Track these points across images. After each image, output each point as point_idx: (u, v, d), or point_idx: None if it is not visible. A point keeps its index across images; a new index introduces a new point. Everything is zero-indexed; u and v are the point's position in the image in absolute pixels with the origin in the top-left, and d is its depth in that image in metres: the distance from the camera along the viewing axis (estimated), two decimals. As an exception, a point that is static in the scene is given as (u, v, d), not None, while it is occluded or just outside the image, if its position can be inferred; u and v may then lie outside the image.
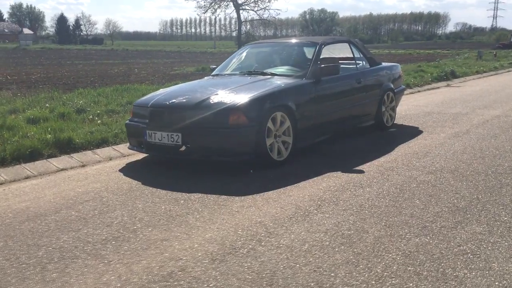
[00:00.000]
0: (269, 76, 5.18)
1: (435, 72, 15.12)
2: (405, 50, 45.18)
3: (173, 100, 4.56)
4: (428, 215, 3.24)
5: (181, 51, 53.66)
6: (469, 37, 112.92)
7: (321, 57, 5.61)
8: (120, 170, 4.59)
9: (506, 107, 8.52)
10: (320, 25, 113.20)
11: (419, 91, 11.92)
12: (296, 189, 3.90)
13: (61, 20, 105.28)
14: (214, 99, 4.45)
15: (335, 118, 5.48)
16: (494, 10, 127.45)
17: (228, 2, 29.08)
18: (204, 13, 25.09)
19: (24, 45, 66.74)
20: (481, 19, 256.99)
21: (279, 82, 4.95)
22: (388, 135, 6.17)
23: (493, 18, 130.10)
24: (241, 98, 4.42)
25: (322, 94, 5.22)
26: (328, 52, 6.04)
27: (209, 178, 4.23)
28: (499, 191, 3.74)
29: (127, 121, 4.94)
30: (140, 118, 4.72)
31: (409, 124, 7.02)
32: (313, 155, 5.07)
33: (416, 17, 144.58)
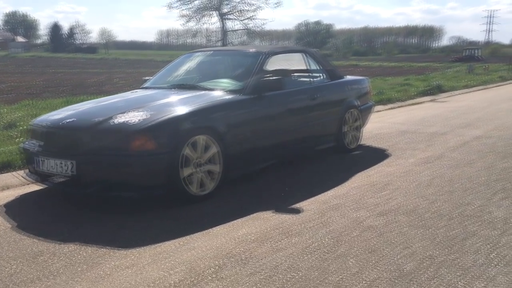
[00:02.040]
0: (200, 91, 4.35)
1: (421, 86, 14.40)
2: (397, 63, 44.63)
3: (70, 119, 3.71)
4: (358, 285, 2.40)
5: (171, 60, 52.90)
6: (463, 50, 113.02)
7: (271, 69, 4.81)
8: (5, 205, 3.73)
9: (489, 126, 7.72)
10: (315, 37, 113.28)
11: (400, 106, 11.13)
12: (204, 238, 3.05)
13: (55, 28, 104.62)
14: (119, 119, 3.61)
15: (281, 141, 4.65)
16: (488, 24, 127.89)
17: (211, 12, 28.41)
18: (187, 22, 24.41)
19: (15, 53, 65.97)
20: (475, 32, 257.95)
21: (207, 98, 4.13)
22: (348, 160, 5.34)
23: (487, 32, 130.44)
24: (152, 118, 3.58)
25: (264, 113, 4.40)
26: (282, 63, 5.24)
27: (101, 220, 3.37)
28: (461, 246, 2.90)
29: (22, 144, 4.10)
30: (37, 140, 3.88)
31: (378, 145, 6.20)
32: (249, 187, 4.23)
33: (411, 30, 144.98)
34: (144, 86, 5.00)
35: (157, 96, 4.24)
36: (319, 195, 3.95)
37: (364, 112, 6.09)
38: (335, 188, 4.17)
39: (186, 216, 3.45)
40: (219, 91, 4.33)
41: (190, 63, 5.18)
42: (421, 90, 13.61)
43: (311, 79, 5.24)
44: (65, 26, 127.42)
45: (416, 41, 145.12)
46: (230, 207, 3.66)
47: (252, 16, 28.53)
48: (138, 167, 3.42)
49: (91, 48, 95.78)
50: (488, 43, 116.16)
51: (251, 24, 24.77)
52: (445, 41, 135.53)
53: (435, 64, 39.42)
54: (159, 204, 3.67)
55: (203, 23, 30.05)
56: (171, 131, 3.55)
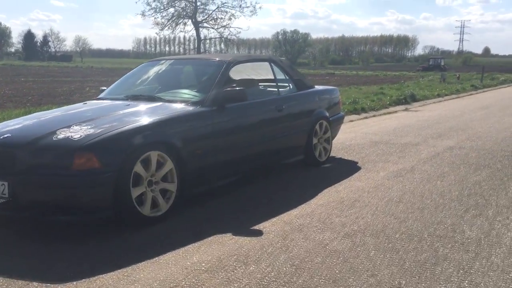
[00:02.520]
0: (156, 103, 4.04)
1: (395, 95, 14.38)
2: (373, 72, 45.14)
3: (5, 135, 3.35)
4: (317, 324, 2.13)
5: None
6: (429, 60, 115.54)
7: (235, 78, 4.56)
8: None
9: (462, 136, 7.63)
10: (292, 45, 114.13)
11: (374, 116, 11.02)
12: (151, 267, 2.73)
13: (28, 36, 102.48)
14: (61, 134, 3.27)
15: (245, 155, 4.38)
16: (460, 34, 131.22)
17: (186, 20, 27.93)
18: (161, 30, 23.92)
19: (-16, 61, 64.13)
20: (448, 42, 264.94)
21: (163, 110, 3.82)
22: (317, 174, 5.09)
23: (459, 42, 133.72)
24: (97, 133, 3.26)
25: (226, 126, 4.12)
26: (247, 73, 4.99)
27: (35, 249, 3.02)
28: (432, 272, 2.66)
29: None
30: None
31: (349, 157, 5.99)
32: (208, 205, 3.92)
33: (387, 40, 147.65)
34: (99, 96, 4.66)
35: (109, 108, 3.92)
36: (283, 214, 3.68)
37: (335, 123, 5.88)
38: (301, 206, 3.91)
39: (134, 241, 3.13)
40: (177, 103, 4.03)
41: (149, 73, 4.87)
42: (395, 99, 13.56)
43: (278, 89, 4.99)
44: (39, 34, 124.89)
45: (391, 50, 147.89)
46: (185, 230, 3.35)
47: (227, 24, 28.39)
48: (80, 188, 3.09)
49: (66, 56, 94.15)
50: (460, 53, 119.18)
51: (226, 33, 24.57)
52: (419, 50, 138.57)
53: (409, 73, 39.99)
54: (105, 228, 3.34)
55: (179, 31, 29.65)
56: (118, 147, 3.24)
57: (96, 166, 3.11)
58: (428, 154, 6.14)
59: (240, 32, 42.96)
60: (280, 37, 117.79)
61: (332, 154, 6.16)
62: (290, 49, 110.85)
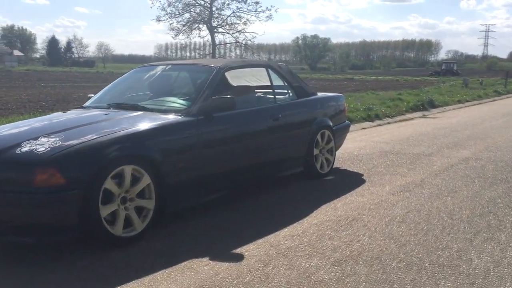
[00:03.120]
0: (137, 112, 3.76)
1: (413, 101, 13.86)
2: (393, 77, 44.35)
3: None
4: None
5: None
6: (461, 64, 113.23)
7: (228, 85, 4.26)
8: None
9: (480, 146, 7.15)
10: (312, 50, 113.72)
11: (388, 123, 10.58)
12: (109, 298, 2.44)
13: (52, 42, 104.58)
14: (27, 147, 3.02)
15: (235, 168, 4.06)
16: (485, 38, 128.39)
17: (201, 25, 27.59)
18: (176, 35, 23.70)
19: (9, 66, 65.59)
20: (472, 46, 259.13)
21: (143, 121, 3.54)
22: (316, 188, 4.73)
23: (484, 46, 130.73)
24: (63, 146, 3.00)
25: (213, 136, 3.81)
26: (242, 79, 4.69)
27: None
28: (428, 312, 2.30)
29: None
30: None
31: (355, 169, 5.61)
32: (189, 224, 3.60)
33: (409, 44, 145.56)
34: (84, 105, 4.42)
35: (86, 118, 3.65)
36: (271, 235, 3.34)
37: (339, 133, 5.52)
38: (293, 225, 3.57)
39: (97, 266, 2.84)
40: (161, 112, 3.75)
41: (139, 79, 4.62)
42: (412, 105, 13.06)
43: (275, 97, 4.66)
44: (63, 40, 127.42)
45: (413, 55, 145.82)
46: (158, 253, 3.05)
47: (242, 29, 27.86)
48: (42, 206, 2.82)
49: (88, 62, 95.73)
50: (485, 57, 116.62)
51: (241, 38, 24.17)
52: (442, 55, 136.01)
53: (430, 78, 39.08)
54: (69, 249, 3.07)
55: (194, 37, 29.78)
56: (86, 162, 2.96)
57: (60, 182, 2.84)
58: (441, 166, 5.71)
59: (255, 37, 42.68)
60: (300, 42, 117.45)
61: (337, 165, 5.80)
62: (310, 54, 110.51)
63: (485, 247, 3.12)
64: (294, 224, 3.58)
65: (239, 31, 26.23)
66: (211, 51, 23.03)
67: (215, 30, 25.71)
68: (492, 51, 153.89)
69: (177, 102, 3.92)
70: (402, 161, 6.07)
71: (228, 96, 3.88)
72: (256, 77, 4.67)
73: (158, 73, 4.56)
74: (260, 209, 4.03)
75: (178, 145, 3.54)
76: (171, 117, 3.63)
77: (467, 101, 16.17)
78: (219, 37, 31.59)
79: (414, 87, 24.75)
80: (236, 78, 4.58)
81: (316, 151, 5.03)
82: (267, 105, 4.52)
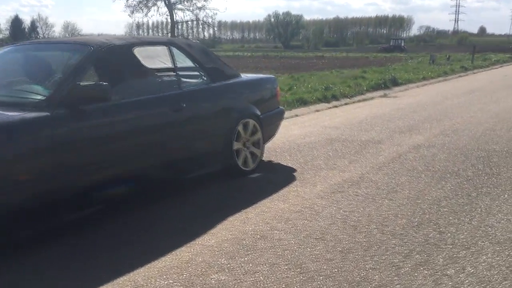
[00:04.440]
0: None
1: (375, 80, 13.18)
2: (363, 54, 43.82)
3: None
4: None
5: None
6: (432, 40, 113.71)
7: (107, 69, 3.37)
8: None
9: (436, 129, 6.49)
10: (285, 28, 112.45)
11: (346, 104, 9.87)
12: None
13: (15, 22, 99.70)
14: None
15: (114, 174, 3.22)
16: (456, 13, 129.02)
17: (157, 1, 25.79)
18: (132, 13, 21.91)
19: (-33, 48, 62.38)
20: (444, 22, 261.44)
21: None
22: (233, 191, 3.93)
23: (455, 22, 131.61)
24: None
25: (80, 136, 2.95)
26: (142, 60, 3.81)
27: None
28: None
29: None
30: None
31: (290, 162, 4.85)
32: (37, 255, 2.78)
33: (382, 20, 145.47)
34: None
35: None
36: (140, 269, 2.54)
37: (270, 121, 4.72)
38: (178, 250, 2.77)
39: None
40: (7, 106, 2.87)
41: (7, 61, 3.69)
42: (373, 84, 12.38)
43: (178, 83, 3.80)
44: (28, 19, 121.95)
45: (386, 31, 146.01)
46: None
47: (203, 5, 25.90)
48: None
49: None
50: (456, 32, 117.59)
51: (202, 15, 22.48)
52: (414, 31, 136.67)
53: (400, 55, 38.67)
54: None
55: (152, 14, 28.12)
56: None
57: None
58: (388, 157, 5.01)
59: (216, 13, 40.78)
60: (272, 19, 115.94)
61: (272, 157, 5.04)
62: (283, 31, 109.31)
63: (415, 277, 2.40)
64: (180, 249, 2.78)
65: (199, 8, 24.80)
66: (169, 30, 21.59)
67: (174, 6, 24.20)
68: (463, 26, 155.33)
69: (35, 92, 3.03)
70: (346, 150, 5.35)
71: (101, 83, 3.01)
72: (159, 58, 3.80)
73: (16, 55, 3.63)
74: (140, 226, 3.20)
75: (20, 150, 2.67)
76: (13, 114, 2.75)
77: (432, 78, 15.61)
78: (179, 14, 29.65)
79: (383, 64, 24.17)
80: (128, 59, 3.70)
81: (237, 145, 4.23)
82: (166, 93, 3.66)
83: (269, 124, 4.74)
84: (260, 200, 3.65)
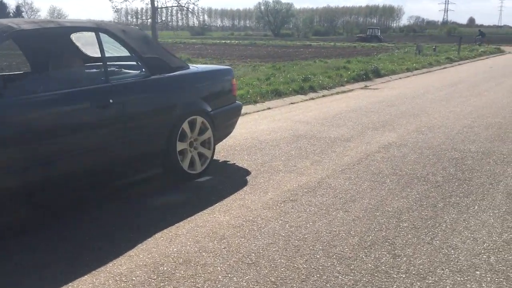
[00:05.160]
0: None
1: (357, 70, 12.72)
2: (351, 43, 43.32)
3: None
4: None
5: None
6: (421, 30, 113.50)
7: (37, 56, 2.88)
8: None
9: (411, 125, 6.07)
10: (275, 16, 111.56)
11: (323, 96, 9.42)
12: None
13: (0, 6, 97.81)
14: None
15: (20, 184, 2.74)
16: (445, 4, 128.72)
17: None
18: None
19: None
20: (433, 12, 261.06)
21: None
22: (171, 198, 3.47)
23: (444, 12, 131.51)
24: None
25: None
26: (68, 46, 3.32)
27: None
28: None
29: None
30: None
31: (246, 163, 4.39)
32: None
33: (372, 10, 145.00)
34: None
35: None
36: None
37: (223, 118, 4.25)
38: (75, 281, 2.31)
39: None
40: None
41: None
42: (355, 75, 11.93)
43: (103, 75, 3.29)
44: (12, 4, 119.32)
45: (376, 21, 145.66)
46: None
47: None
48: None
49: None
50: (445, 23, 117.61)
51: (184, 0, 21.30)
52: (404, 21, 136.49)
53: (388, 45, 38.24)
54: None
55: (132, 0, 26.93)
56: None
57: None
58: (354, 157, 4.58)
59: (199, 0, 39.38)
60: (262, 7, 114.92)
61: (230, 156, 4.59)
62: (273, 19, 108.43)
63: (353, 320, 1.98)
64: (81, 279, 2.33)
65: (182, -7, 23.72)
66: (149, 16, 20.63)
67: (155, -9, 23.46)
68: (452, 17, 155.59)
69: None
70: (311, 149, 4.91)
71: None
72: (83, 46, 3.30)
73: None
74: (43, 248, 2.74)
75: None
76: None
77: (416, 69, 15.20)
78: (161, 0, 28.17)
79: (369, 54, 23.74)
80: (40, 47, 3.19)
81: (182, 145, 3.76)
82: (87, 87, 3.16)
83: (223, 121, 4.27)
84: (199, 211, 3.20)
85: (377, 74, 12.88)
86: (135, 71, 3.60)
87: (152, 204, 3.35)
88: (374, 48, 33.49)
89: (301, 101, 8.72)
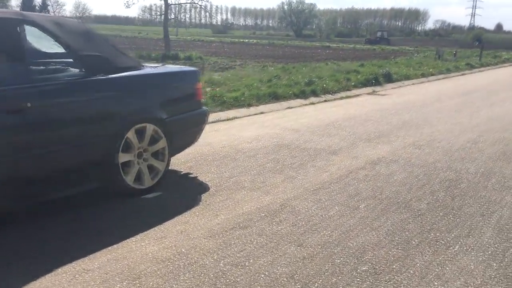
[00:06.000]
0: None
1: (367, 74, 12.08)
2: (371, 46, 42.37)
3: None
4: None
5: (137, 37, 49.97)
6: (447, 34, 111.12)
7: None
8: None
9: (409, 138, 5.48)
10: (298, 16, 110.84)
11: (325, 101, 8.86)
12: None
13: (27, 0, 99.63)
14: None
15: None
16: (472, 8, 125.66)
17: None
18: None
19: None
20: (460, 17, 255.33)
21: None
22: (99, 221, 3.01)
23: (471, 17, 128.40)
24: None
25: None
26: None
27: None
28: None
29: None
30: None
31: (209, 176, 3.90)
32: None
33: (397, 13, 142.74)
34: None
35: None
36: None
37: (182, 126, 3.77)
38: None
39: None
40: None
41: None
42: (363, 80, 11.31)
43: (22, 74, 2.83)
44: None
45: (401, 23, 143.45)
46: None
47: None
48: None
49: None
50: (471, 28, 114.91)
51: None
52: (430, 25, 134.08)
53: (409, 48, 37.21)
54: None
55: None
56: None
57: None
58: (334, 174, 4.04)
59: None
60: (285, 7, 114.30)
61: (196, 167, 4.13)
62: (295, 20, 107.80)
63: None
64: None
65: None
66: (162, 12, 20.15)
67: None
68: (479, 22, 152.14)
69: None
70: (290, 162, 4.40)
71: None
72: (11, 40, 2.86)
73: None
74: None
75: None
76: None
77: (432, 75, 14.45)
78: None
79: (387, 58, 22.97)
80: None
81: (126, 157, 3.30)
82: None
83: (182, 130, 3.79)
84: (127, 237, 2.73)
85: (389, 78, 12.22)
86: (71, 71, 3.15)
87: (74, 226, 2.90)
88: (394, 51, 32.59)
89: (299, 106, 8.20)
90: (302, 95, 9.03)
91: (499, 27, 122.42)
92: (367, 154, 4.74)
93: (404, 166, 4.32)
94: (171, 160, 3.75)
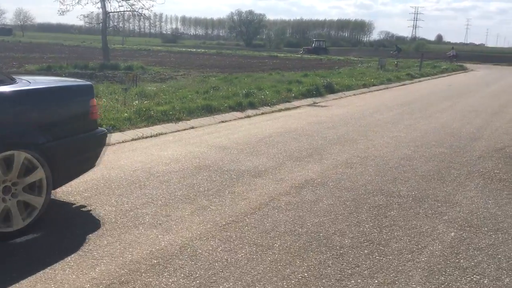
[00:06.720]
0: None
1: (308, 85, 11.81)
2: (318, 56, 42.86)
3: None
4: None
5: (80, 45, 48.00)
6: (391, 45, 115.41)
7: None
8: None
9: (342, 155, 5.11)
10: (248, 26, 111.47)
11: (262, 114, 8.42)
12: None
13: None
14: None
15: None
16: (414, 20, 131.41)
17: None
18: (62, 2, 18.92)
19: None
20: (403, 28, 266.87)
21: None
22: None
23: (413, 28, 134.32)
24: None
25: None
26: None
27: None
28: None
29: None
30: None
31: (103, 210, 3.29)
32: None
33: (344, 24, 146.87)
34: None
35: None
36: None
37: (68, 152, 3.14)
38: None
39: None
40: None
41: None
42: (304, 91, 11.02)
43: None
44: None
45: (347, 34, 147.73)
46: None
47: None
48: None
49: (5, 30, 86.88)
50: (414, 39, 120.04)
51: (137, 6, 19.76)
52: (375, 35, 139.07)
53: (353, 58, 37.89)
54: None
55: (86, 3, 25.04)
56: None
57: None
58: (253, 202, 3.55)
59: (153, 5, 37.89)
60: (235, 17, 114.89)
61: (92, 198, 3.50)
62: (245, 30, 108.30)
63: None
64: None
65: (135, -2, 22.20)
66: (100, 20, 18.96)
67: (106, -4, 21.64)
68: (421, 34, 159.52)
69: None
70: (206, 188, 3.86)
71: None
72: None
73: None
74: None
75: None
76: None
77: (374, 85, 14.46)
78: (113, 5, 26.35)
79: (331, 68, 23.06)
80: None
81: (-16, 193, 2.65)
82: None
83: (72, 155, 3.17)
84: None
85: (330, 89, 12.02)
86: None
87: None
88: (339, 61, 32.99)
89: (234, 120, 7.71)
90: (239, 107, 8.55)
91: (439, 37, 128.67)
92: (294, 176, 4.29)
93: (332, 190, 3.90)
94: (70, 188, 3.12)
